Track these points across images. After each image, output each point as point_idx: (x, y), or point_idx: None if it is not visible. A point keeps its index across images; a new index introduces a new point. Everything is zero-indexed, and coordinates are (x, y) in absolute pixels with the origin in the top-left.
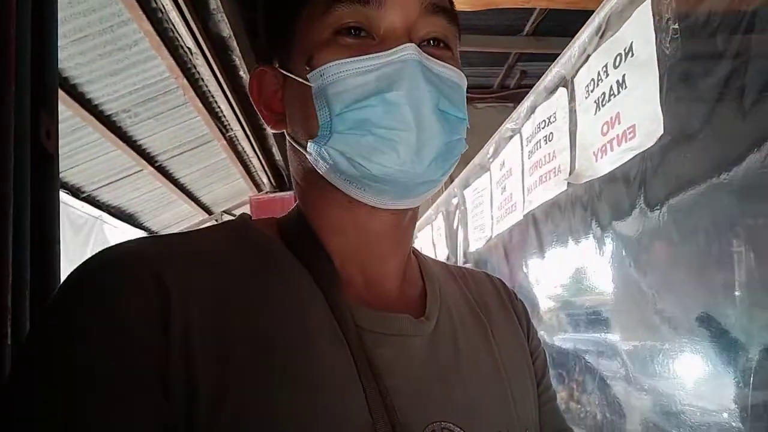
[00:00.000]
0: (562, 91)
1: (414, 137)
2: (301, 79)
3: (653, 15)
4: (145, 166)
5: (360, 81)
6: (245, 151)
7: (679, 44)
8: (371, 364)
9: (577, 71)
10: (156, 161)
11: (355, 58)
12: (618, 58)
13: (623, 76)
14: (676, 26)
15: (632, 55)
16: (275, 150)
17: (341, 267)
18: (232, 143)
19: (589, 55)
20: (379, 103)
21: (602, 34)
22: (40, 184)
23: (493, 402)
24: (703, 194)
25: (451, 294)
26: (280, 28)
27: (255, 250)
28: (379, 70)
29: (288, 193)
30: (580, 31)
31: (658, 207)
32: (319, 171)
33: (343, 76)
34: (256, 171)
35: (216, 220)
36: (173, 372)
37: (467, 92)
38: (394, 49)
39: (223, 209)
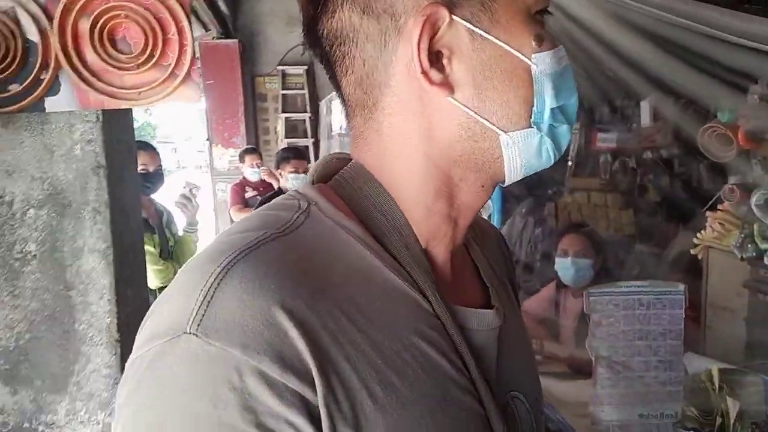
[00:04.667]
0: None
1: None
2: (522, 56)
3: None
4: None
5: (564, 75)
6: None
7: None
8: (473, 354)
9: None
10: None
11: (562, 50)
12: None
13: None
14: None
15: None
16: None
17: (430, 253)
18: None
19: None
20: (571, 100)
21: None
22: None
23: (531, 369)
24: None
25: (487, 266)
26: None
27: (357, 260)
28: (567, 67)
29: (233, 41)
30: None
31: None
32: (504, 154)
33: (562, 66)
34: (202, 15)
35: None
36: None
37: None
38: (560, 48)
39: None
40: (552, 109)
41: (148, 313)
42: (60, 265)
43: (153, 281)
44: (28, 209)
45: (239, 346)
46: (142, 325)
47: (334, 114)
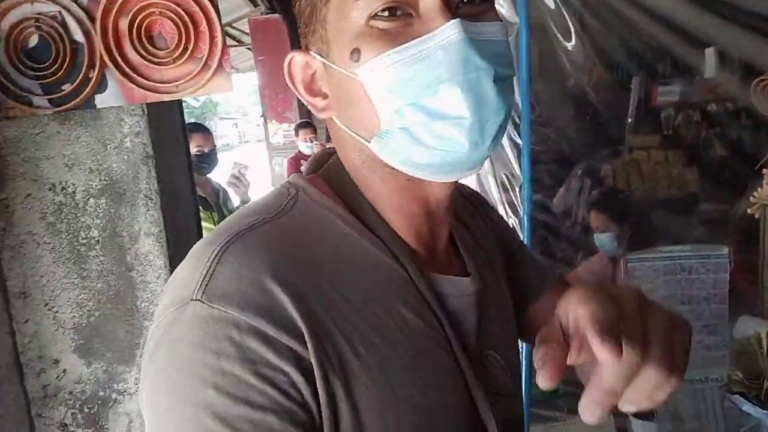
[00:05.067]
0: None
1: (477, 121)
2: (348, 73)
3: None
4: None
5: (415, 71)
6: None
7: None
8: (449, 318)
9: None
10: None
11: (404, 47)
12: None
13: None
14: None
15: None
16: None
17: (406, 239)
18: None
19: None
20: (440, 93)
21: None
22: None
23: (509, 331)
24: None
25: (469, 238)
26: (311, 14)
27: (341, 237)
28: (431, 56)
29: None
30: None
31: None
32: (384, 160)
33: (397, 68)
34: None
35: None
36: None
37: None
38: (441, 29)
39: (222, 22)
40: (398, 111)
41: (163, 289)
42: (120, 248)
43: None
44: (88, 199)
45: (238, 308)
46: (160, 301)
47: None
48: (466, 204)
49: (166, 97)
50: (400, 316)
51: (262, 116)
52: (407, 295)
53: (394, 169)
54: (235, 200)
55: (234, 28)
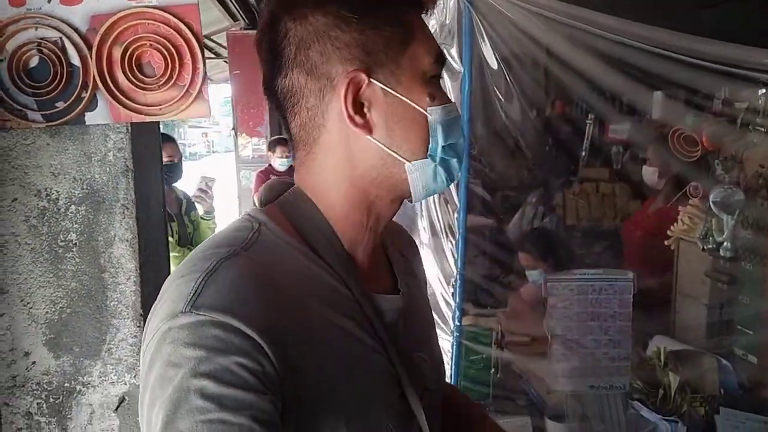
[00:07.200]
0: None
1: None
2: (420, 108)
3: None
4: None
5: (456, 122)
6: None
7: None
8: (385, 328)
9: None
10: None
11: (452, 104)
12: None
13: None
14: None
15: None
16: None
17: (353, 254)
18: None
19: None
20: (459, 142)
21: None
22: None
23: (431, 335)
24: None
25: (401, 259)
26: (384, 52)
27: (296, 263)
28: (457, 116)
29: None
30: None
31: None
32: (408, 180)
33: (451, 114)
34: (231, 4)
35: None
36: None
37: None
38: (452, 104)
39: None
40: (443, 146)
41: (153, 307)
42: (95, 252)
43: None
44: (70, 205)
45: (221, 313)
46: (150, 315)
47: None
48: (409, 241)
49: (149, 119)
50: (344, 328)
51: (233, 129)
52: (351, 311)
53: (387, 183)
54: (200, 210)
55: (212, 40)
